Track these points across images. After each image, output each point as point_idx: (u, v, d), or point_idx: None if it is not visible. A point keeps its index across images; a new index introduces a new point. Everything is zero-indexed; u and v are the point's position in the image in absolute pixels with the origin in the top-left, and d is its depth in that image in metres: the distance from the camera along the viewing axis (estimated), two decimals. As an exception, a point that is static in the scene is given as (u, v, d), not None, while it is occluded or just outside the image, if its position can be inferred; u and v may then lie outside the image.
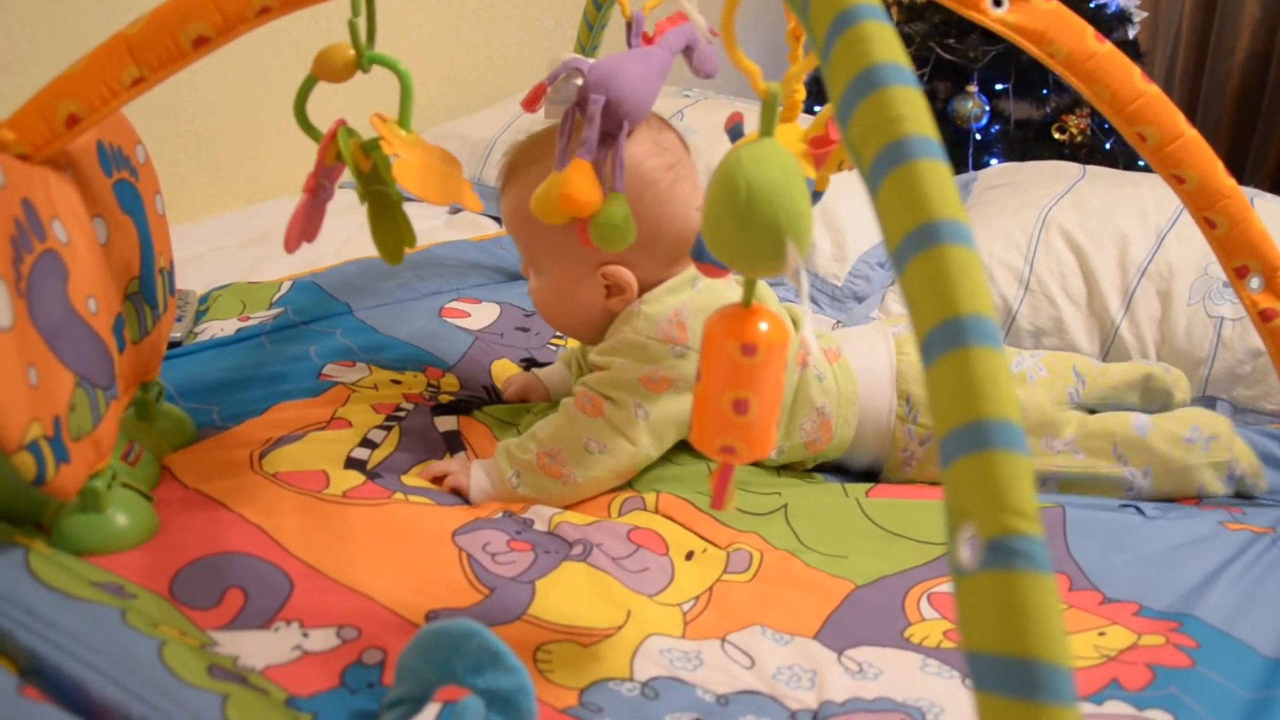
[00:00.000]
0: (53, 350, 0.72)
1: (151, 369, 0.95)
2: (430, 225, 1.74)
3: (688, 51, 0.88)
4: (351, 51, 0.76)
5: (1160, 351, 1.31)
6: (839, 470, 1.08)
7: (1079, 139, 2.32)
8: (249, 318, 1.26)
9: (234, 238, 1.61)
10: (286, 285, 1.35)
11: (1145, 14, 2.39)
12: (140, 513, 0.82)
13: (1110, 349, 1.33)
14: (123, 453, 0.86)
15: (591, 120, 0.79)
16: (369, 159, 0.79)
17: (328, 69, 0.76)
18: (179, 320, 1.22)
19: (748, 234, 0.51)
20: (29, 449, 0.68)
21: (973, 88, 2.34)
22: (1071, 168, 1.59)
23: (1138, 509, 0.98)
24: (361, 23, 0.77)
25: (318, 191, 0.83)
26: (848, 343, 1.09)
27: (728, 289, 1.01)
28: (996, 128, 2.39)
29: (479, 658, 0.60)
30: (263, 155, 1.82)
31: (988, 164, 2.29)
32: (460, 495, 0.96)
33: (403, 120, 0.77)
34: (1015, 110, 2.39)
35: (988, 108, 2.36)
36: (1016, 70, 2.29)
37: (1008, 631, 0.34)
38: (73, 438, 0.74)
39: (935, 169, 0.41)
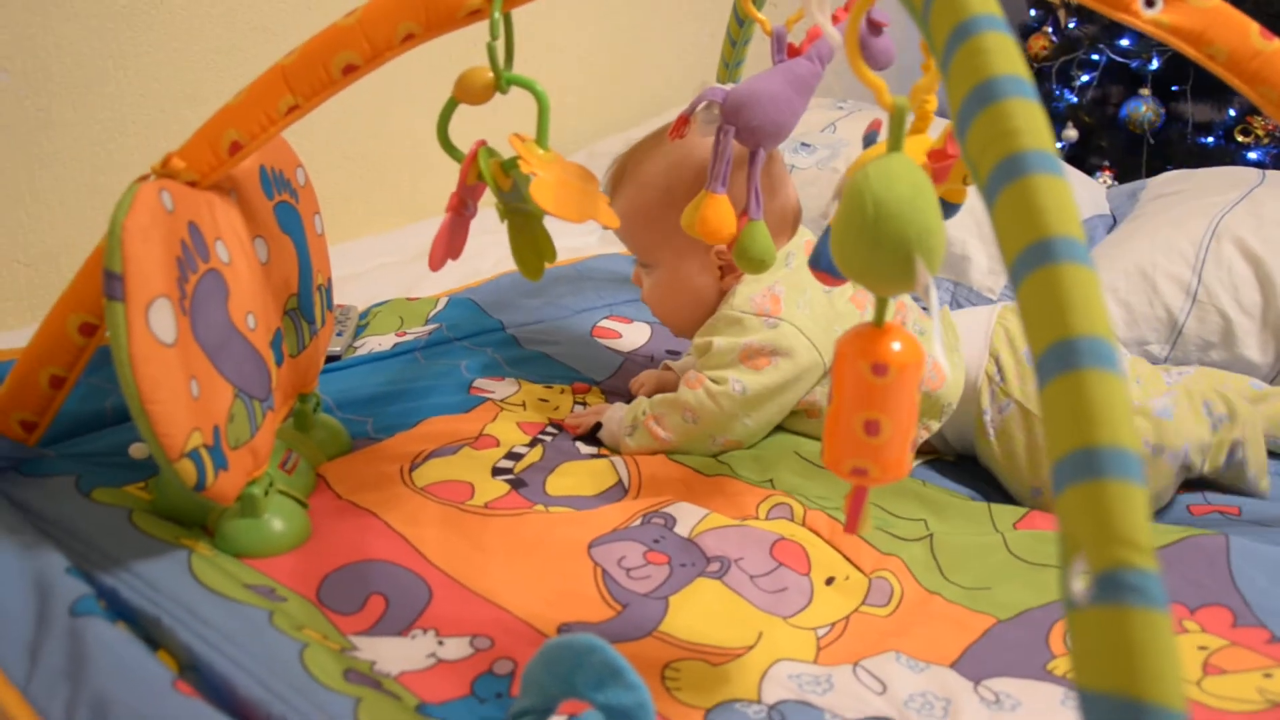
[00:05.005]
0: (213, 364, 0.77)
1: (309, 381, 1.00)
2: (585, 241, 1.76)
3: (860, 46, 0.89)
4: (490, 74, 0.78)
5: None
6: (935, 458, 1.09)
7: (1265, 141, 2.18)
8: (405, 333, 1.31)
9: (395, 255, 1.67)
10: (443, 301, 1.40)
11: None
12: (295, 519, 0.86)
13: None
14: (280, 461, 0.91)
15: (721, 155, 0.80)
16: (509, 178, 0.81)
17: (468, 92, 0.78)
18: (339, 335, 1.27)
19: (876, 252, 0.50)
20: (189, 456, 0.72)
21: (1147, 90, 2.24)
22: (1249, 173, 1.49)
23: None
24: (500, 46, 0.78)
25: (461, 209, 0.86)
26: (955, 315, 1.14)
27: None
28: (1174, 132, 2.27)
29: (600, 673, 0.60)
30: (421, 175, 1.88)
31: (1165, 171, 2.18)
32: (584, 435, 1.08)
33: (540, 139, 0.79)
34: (1194, 113, 2.27)
35: (1163, 111, 2.24)
36: (1195, 71, 2.17)
37: (1118, 670, 0.33)
38: (231, 446, 0.78)
39: (1053, 184, 0.39)
